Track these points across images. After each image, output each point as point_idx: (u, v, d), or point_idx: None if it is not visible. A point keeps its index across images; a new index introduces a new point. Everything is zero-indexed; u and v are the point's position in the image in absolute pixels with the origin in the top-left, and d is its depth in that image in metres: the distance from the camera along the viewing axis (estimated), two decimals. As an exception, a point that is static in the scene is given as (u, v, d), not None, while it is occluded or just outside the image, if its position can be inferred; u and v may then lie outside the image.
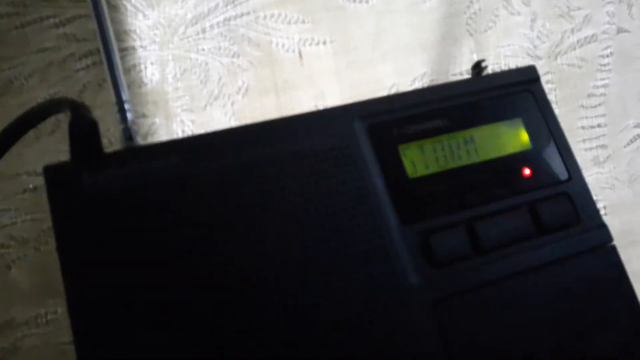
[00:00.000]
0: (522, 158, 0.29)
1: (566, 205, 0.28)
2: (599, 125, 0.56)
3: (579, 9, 0.54)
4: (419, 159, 0.27)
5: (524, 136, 0.29)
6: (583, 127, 0.56)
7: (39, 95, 0.47)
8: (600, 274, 0.27)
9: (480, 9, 0.54)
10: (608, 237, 0.28)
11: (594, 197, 0.55)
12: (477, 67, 0.31)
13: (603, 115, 0.55)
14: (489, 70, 0.55)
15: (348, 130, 0.27)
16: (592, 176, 0.56)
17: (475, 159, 0.28)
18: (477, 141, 0.28)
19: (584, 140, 0.55)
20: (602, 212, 0.56)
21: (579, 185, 0.29)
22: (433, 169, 0.28)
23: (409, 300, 0.24)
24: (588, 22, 0.55)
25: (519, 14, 0.55)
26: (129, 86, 0.47)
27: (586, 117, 0.56)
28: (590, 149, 0.55)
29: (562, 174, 0.29)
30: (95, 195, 0.24)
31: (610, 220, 0.56)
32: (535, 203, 0.27)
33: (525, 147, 0.29)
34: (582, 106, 0.55)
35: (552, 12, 0.54)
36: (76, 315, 0.22)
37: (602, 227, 0.28)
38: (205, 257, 0.24)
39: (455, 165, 0.28)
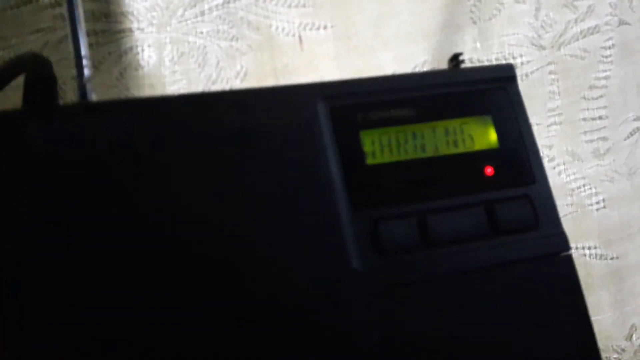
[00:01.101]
0: (487, 156, 0.29)
1: (525, 209, 0.28)
2: (600, 118, 0.56)
3: (583, -1, 0.55)
4: (380, 147, 0.27)
5: (492, 134, 0.29)
6: (584, 119, 0.56)
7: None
8: (552, 282, 0.27)
9: (483, -3, 0.54)
10: (565, 246, 0.28)
11: (593, 190, 0.56)
12: (454, 59, 0.31)
13: (604, 108, 0.56)
14: (493, 61, 0.55)
15: (310, 109, 0.27)
16: (592, 169, 0.56)
17: (438, 152, 0.28)
18: (442, 134, 0.28)
19: (585, 132, 0.56)
20: (601, 205, 0.57)
21: (543, 190, 0.29)
22: (393, 157, 0.27)
23: (351, 284, 0.25)
24: (591, 13, 0.55)
25: (524, 2, 0.55)
26: (125, 69, 0.47)
27: (587, 109, 0.56)
28: (591, 141, 0.56)
29: (527, 176, 0.29)
30: (38, 145, 0.24)
31: (609, 213, 0.57)
32: (494, 203, 0.27)
33: (491, 146, 0.29)
34: (584, 98, 0.56)
35: (556, 1, 0.55)
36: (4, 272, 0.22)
37: (561, 235, 0.28)
38: (138, 223, 0.24)
39: (416, 156, 0.28)
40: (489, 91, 0.30)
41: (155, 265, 0.23)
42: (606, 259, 0.57)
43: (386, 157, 0.27)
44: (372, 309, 0.25)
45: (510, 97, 0.30)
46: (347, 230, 0.26)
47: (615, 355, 0.59)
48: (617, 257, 0.57)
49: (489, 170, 0.28)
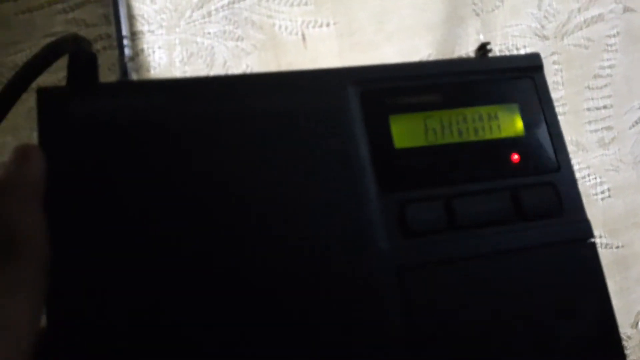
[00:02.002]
0: (513, 143, 0.29)
1: (550, 195, 0.29)
2: (604, 107, 0.57)
3: (586, -12, 0.56)
4: (408, 131, 0.28)
5: (519, 122, 0.30)
6: (589, 109, 0.57)
7: (46, 80, 0.50)
8: (574, 268, 0.28)
9: (487, -12, 0.55)
10: (589, 233, 0.29)
11: (598, 179, 0.57)
12: (482, 48, 0.32)
13: (609, 97, 0.57)
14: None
15: (340, 93, 0.28)
16: (597, 158, 0.57)
17: (465, 138, 0.29)
18: (469, 121, 0.29)
19: (589, 122, 0.57)
20: (606, 194, 0.58)
21: (567, 178, 0.30)
22: (421, 142, 0.29)
23: (376, 263, 0.26)
24: (595, 1, 0.56)
25: (526, -8, 0.56)
26: (137, 70, 0.49)
27: (592, 99, 0.57)
28: (596, 130, 0.57)
29: (552, 164, 0.30)
30: (81, 120, 0.26)
31: (614, 202, 0.58)
32: (519, 189, 0.28)
33: (518, 133, 0.30)
34: (588, 87, 0.57)
35: (559, -9, 0.55)
36: (58, 242, 0.24)
37: (584, 222, 0.29)
38: (171, 197, 0.25)
39: (444, 141, 0.29)
40: (516, 80, 0.30)
41: (184, 234, 0.25)
42: (612, 247, 0.58)
43: (414, 142, 0.28)
44: (396, 289, 0.26)
45: (537, 86, 0.31)
46: (374, 211, 0.27)
47: (623, 343, 0.61)
48: (622, 246, 0.58)
49: (515, 157, 0.29)
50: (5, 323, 0.21)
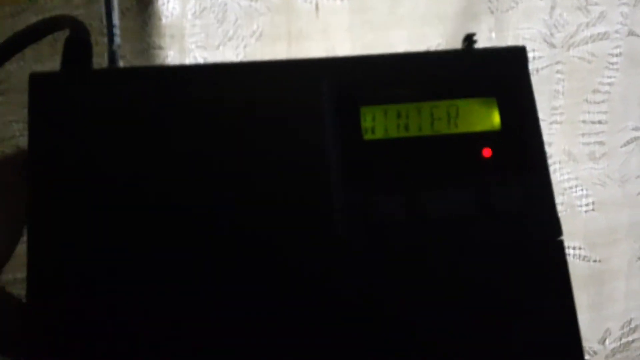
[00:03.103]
0: (486, 138, 0.29)
1: (520, 193, 0.29)
2: (599, 122, 0.59)
3: (596, 4, 0.58)
4: (380, 123, 0.29)
5: (495, 117, 0.29)
6: (584, 122, 0.59)
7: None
8: (539, 267, 0.28)
9: (503, -11, 0.57)
10: (558, 232, 0.28)
11: (584, 192, 0.59)
12: (468, 39, 0.32)
13: (605, 113, 0.59)
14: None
15: (314, 83, 0.29)
16: (586, 170, 0.59)
17: (437, 130, 0.29)
18: (443, 114, 0.30)
19: (583, 135, 0.59)
20: (590, 207, 0.60)
21: (541, 176, 0.29)
22: (391, 134, 0.29)
23: (334, 251, 0.27)
24: (603, 19, 0.58)
25: (540, -1, 0.58)
26: (149, 17, 0.51)
27: (589, 112, 0.59)
28: (588, 143, 0.59)
29: (526, 161, 0.29)
30: (73, 105, 0.27)
31: (597, 216, 0.60)
32: (488, 185, 0.29)
33: (493, 128, 0.29)
34: (587, 101, 0.59)
35: (570, 3, 0.58)
36: (43, 226, 0.25)
37: (554, 221, 0.29)
38: (155, 178, 0.27)
39: (415, 134, 0.29)
40: (497, 73, 0.30)
41: (167, 218, 0.26)
42: (589, 260, 0.60)
43: (384, 134, 0.29)
44: (350, 277, 0.27)
45: (519, 81, 0.30)
46: (338, 200, 0.27)
47: (587, 357, 0.63)
48: (599, 261, 0.60)
49: (487, 152, 0.29)
50: None
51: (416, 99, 0.29)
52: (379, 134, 0.29)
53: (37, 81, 0.27)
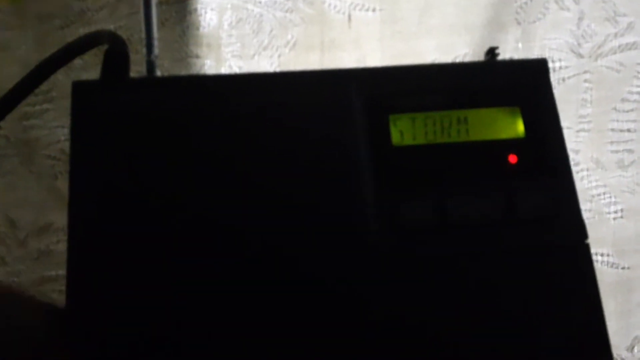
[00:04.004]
0: (511, 145, 0.30)
1: (545, 198, 0.29)
2: (628, 130, 0.60)
3: (625, 15, 0.59)
4: (408, 130, 0.30)
5: (520, 125, 0.31)
6: (613, 130, 0.60)
7: (106, 27, 0.54)
8: (567, 271, 0.29)
9: (531, 0, 0.59)
10: (584, 235, 0.30)
11: (612, 199, 0.60)
12: (490, 52, 0.34)
13: (634, 121, 0.60)
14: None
15: (345, 93, 0.30)
16: (614, 178, 0.60)
17: (464, 138, 0.30)
18: (470, 122, 0.31)
19: (611, 143, 0.60)
20: (618, 214, 0.61)
21: (565, 181, 0.30)
22: (419, 141, 0.30)
23: (365, 256, 0.28)
24: (631, 30, 0.60)
25: (568, 10, 0.59)
26: (187, 27, 0.54)
27: (617, 121, 0.60)
28: (617, 151, 0.60)
29: (550, 167, 0.30)
30: (112, 112, 0.29)
31: (626, 223, 0.61)
32: (515, 190, 0.29)
33: (518, 136, 0.31)
34: (615, 109, 0.60)
35: (598, 14, 0.59)
36: (74, 223, 0.27)
37: (579, 225, 0.30)
38: (188, 182, 0.29)
39: (442, 141, 0.30)
40: (520, 84, 0.31)
41: (203, 218, 0.28)
42: (617, 267, 0.61)
43: (412, 140, 0.30)
44: (382, 281, 0.27)
45: (540, 91, 0.31)
46: (368, 205, 0.29)
47: (615, 365, 0.63)
48: (628, 268, 0.61)
49: (513, 159, 0.30)
50: None
51: (443, 107, 0.31)
52: (408, 141, 0.30)
53: (79, 89, 0.30)
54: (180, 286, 0.27)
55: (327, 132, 0.30)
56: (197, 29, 0.54)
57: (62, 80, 0.54)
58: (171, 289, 0.27)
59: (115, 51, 0.29)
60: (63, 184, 0.54)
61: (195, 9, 0.54)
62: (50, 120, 0.55)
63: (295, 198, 0.29)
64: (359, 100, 0.30)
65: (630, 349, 0.62)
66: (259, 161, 0.29)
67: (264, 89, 0.30)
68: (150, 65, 0.37)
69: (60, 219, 0.53)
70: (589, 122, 0.60)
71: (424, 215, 0.29)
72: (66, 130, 0.56)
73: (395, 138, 0.30)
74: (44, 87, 0.56)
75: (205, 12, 0.54)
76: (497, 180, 0.30)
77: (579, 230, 0.29)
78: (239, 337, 0.27)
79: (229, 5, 0.54)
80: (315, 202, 0.29)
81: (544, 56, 0.59)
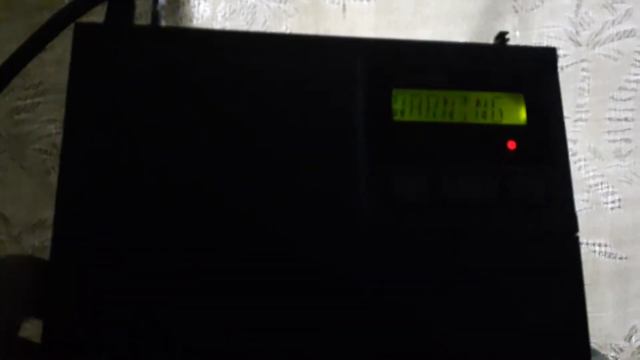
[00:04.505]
0: (512, 131, 0.31)
1: (539, 186, 0.30)
2: (625, 119, 0.60)
3: (622, 2, 0.59)
4: (409, 106, 0.30)
5: (522, 112, 0.31)
6: (610, 119, 0.60)
7: (98, 19, 0.54)
8: (553, 260, 0.29)
9: (528, -12, 0.59)
10: (574, 227, 0.30)
11: (610, 189, 0.60)
12: (500, 37, 0.34)
13: (631, 110, 0.60)
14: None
15: (349, 62, 0.30)
16: (612, 168, 0.60)
17: (465, 119, 0.30)
18: (472, 104, 0.31)
19: (608, 132, 0.60)
20: (616, 204, 0.61)
21: (561, 172, 0.31)
22: (420, 118, 0.30)
23: (356, 224, 0.28)
24: (629, 17, 0.59)
25: (565, -3, 0.59)
26: (181, 19, 0.53)
27: (614, 109, 0.60)
28: (614, 141, 0.60)
29: (548, 157, 0.31)
30: (113, 57, 0.29)
31: (623, 213, 0.61)
32: (509, 175, 0.30)
33: (519, 123, 0.31)
34: (613, 98, 0.60)
35: (596, 1, 0.59)
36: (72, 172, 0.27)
37: (571, 217, 0.30)
38: (184, 139, 0.28)
39: (442, 120, 0.30)
40: (527, 71, 0.31)
41: (199, 177, 0.28)
42: (615, 258, 0.61)
43: (413, 117, 0.30)
44: (371, 252, 0.28)
45: (547, 80, 0.31)
46: (363, 177, 0.29)
47: (613, 354, 0.64)
48: (626, 258, 0.61)
49: (512, 145, 0.30)
50: None
51: (448, 87, 0.31)
52: (409, 117, 0.30)
53: (81, 31, 0.29)
54: (162, 245, 0.27)
55: (328, 99, 0.30)
56: (191, 20, 0.53)
57: (53, 74, 0.54)
58: (160, 249, 0.27)
59: None
60: (55, 180, 0.53)
61: (189, 1, 0.53)
62: (42, 114, 0.54)
63: (289, 164, 0.29)
64: (362, 70, 0.30)
65: (628, 338, 0.63)
66: (254, 122, 0.29)
67: (271, 50, 0.30)
68: (156, 16, 0.36)
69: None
70: (587, 111, 0.60)
71: (418, 189, 0.29)
72: (58, 124, 0.56)
73: (397, 113, 0.30)
74: (34, 80, 0.55)
75: (199, 4, 0.53)
76: (494, 165, 0.30)
77: (570, 221, 0.30)
78: (225, 308, 0.27)
79: (222, -4, 0.54)
80: (308, 169, 0.29)
81: (541, 44, 0.59)
